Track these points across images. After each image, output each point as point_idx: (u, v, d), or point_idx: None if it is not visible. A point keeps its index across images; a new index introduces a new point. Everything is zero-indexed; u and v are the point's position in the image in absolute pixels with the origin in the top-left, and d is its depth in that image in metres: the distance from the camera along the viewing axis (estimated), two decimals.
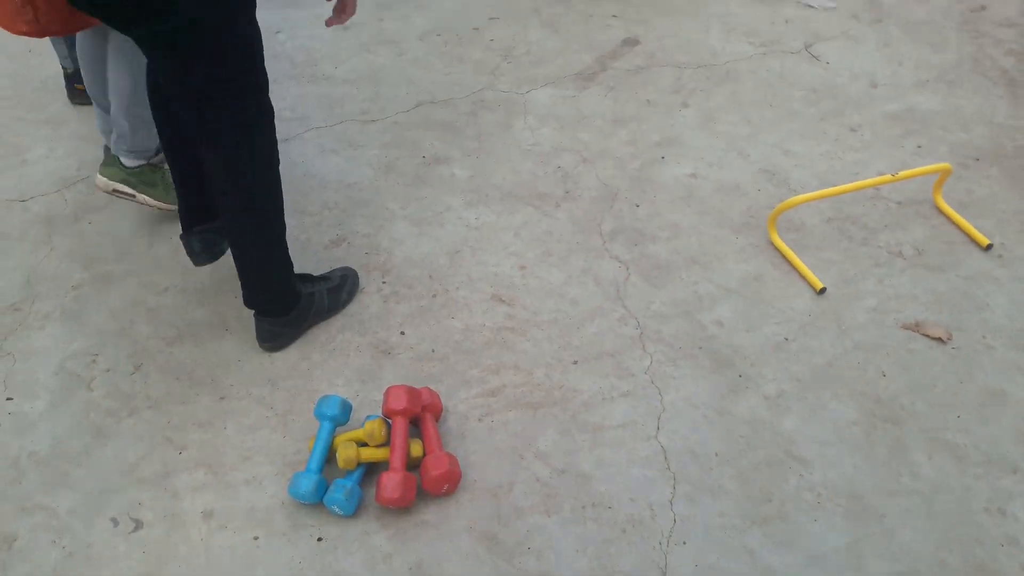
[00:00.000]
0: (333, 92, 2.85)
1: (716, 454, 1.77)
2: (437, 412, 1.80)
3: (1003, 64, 2.91)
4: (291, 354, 1.99)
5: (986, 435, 1.80)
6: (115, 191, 2.23)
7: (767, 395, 1.88)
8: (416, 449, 1.71)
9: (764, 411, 1.85)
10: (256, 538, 1.65)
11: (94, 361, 1.99)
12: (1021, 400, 1.87)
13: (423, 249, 2.26)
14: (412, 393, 1.73)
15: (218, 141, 1.68)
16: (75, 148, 2.64)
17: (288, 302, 1.95)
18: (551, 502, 1.69)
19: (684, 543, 1.62)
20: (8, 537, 1.66)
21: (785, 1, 3.31)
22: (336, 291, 2.06)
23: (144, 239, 2.31)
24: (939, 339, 1.99)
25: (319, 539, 1.64)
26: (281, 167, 1.81)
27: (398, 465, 1.65)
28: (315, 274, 2.10)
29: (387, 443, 1.72)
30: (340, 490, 1.62)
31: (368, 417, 1.75)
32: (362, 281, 2.16)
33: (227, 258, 2.05)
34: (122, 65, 2.05)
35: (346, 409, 1.75)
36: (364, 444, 1.73)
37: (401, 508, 1.66)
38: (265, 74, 1.69)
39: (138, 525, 1.68)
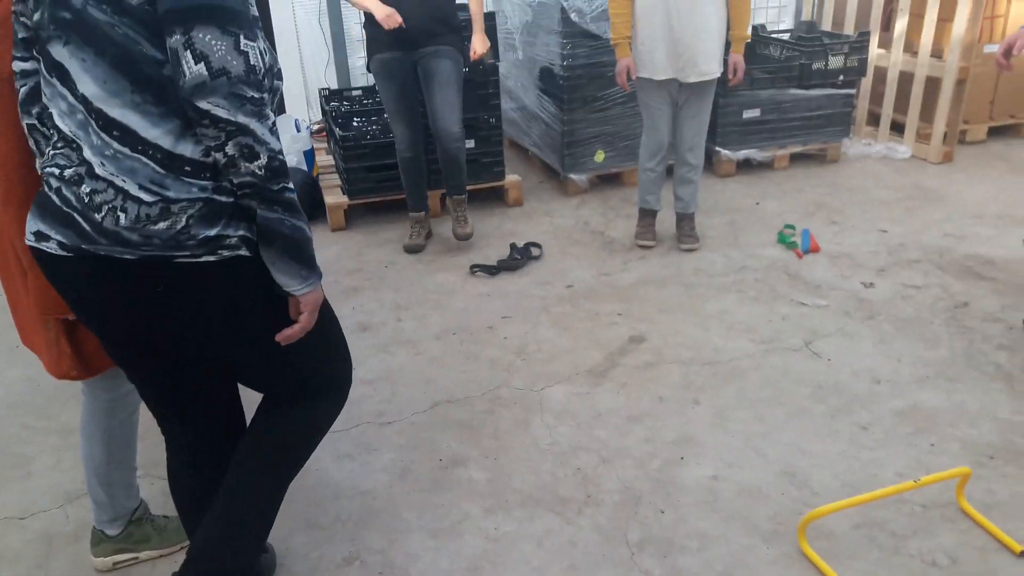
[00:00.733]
0: (351, 394, 2.88)
1: None
2: None
3: (996, 359, 3.03)
4: None
5: None
6: (116, 565, 2.17)
7: None
8: None
9: None
10: None
11: None
12: None
13: (441, 565, 2.19)
14: None
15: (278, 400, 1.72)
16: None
17: None
18: None
19: None
20: None
21: (779, 299, 3.50)
22: None
23: None
24: None
25: None
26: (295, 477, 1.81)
27: None
28: None
29: None
30: None
31: None
32: None
33: None
34: (94, 432, 2.03)
35: None
36: None
37: None
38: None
39: None
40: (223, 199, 1.44)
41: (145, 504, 2.23)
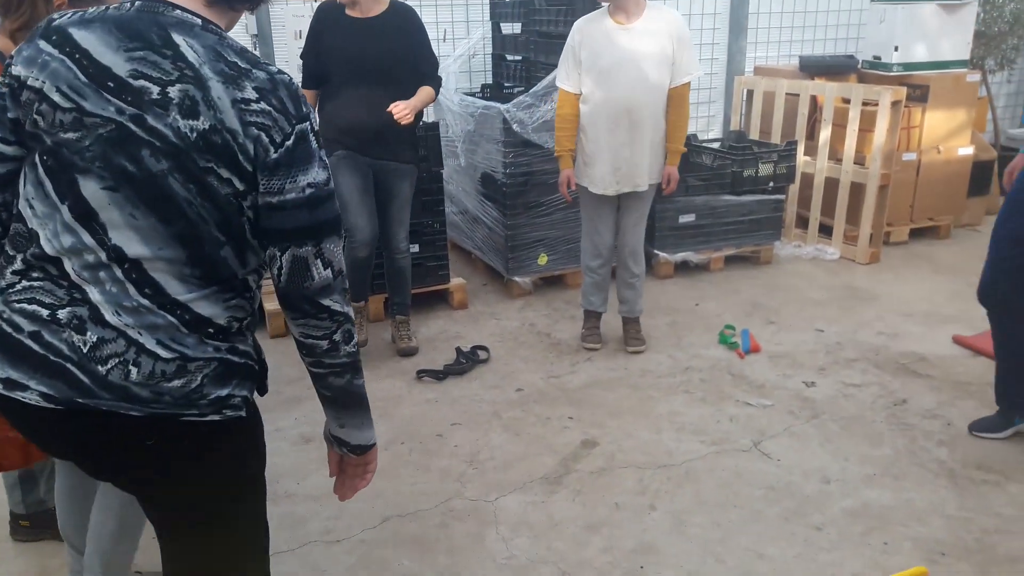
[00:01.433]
0: (296, 510, 2.80)
1: None
2: None
3: (938, 455, 3.09)
4: None
5: None
6: None
7: None
8: None
9: None
10: None
11: None
12: None
13: None
14: None
15: None
16: None
17: None
18: None
19: None
20: None
21: (725, 399, 3.54)
22: None
23: None
24: None
25: None
26: None
27: None
28: None
29: None
30: None
31: None
32: None
33: None
34: (111, 504, 1.95)
35: None
36: None
37: None
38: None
39: None
40: (236, 360, 1.43)
41: None
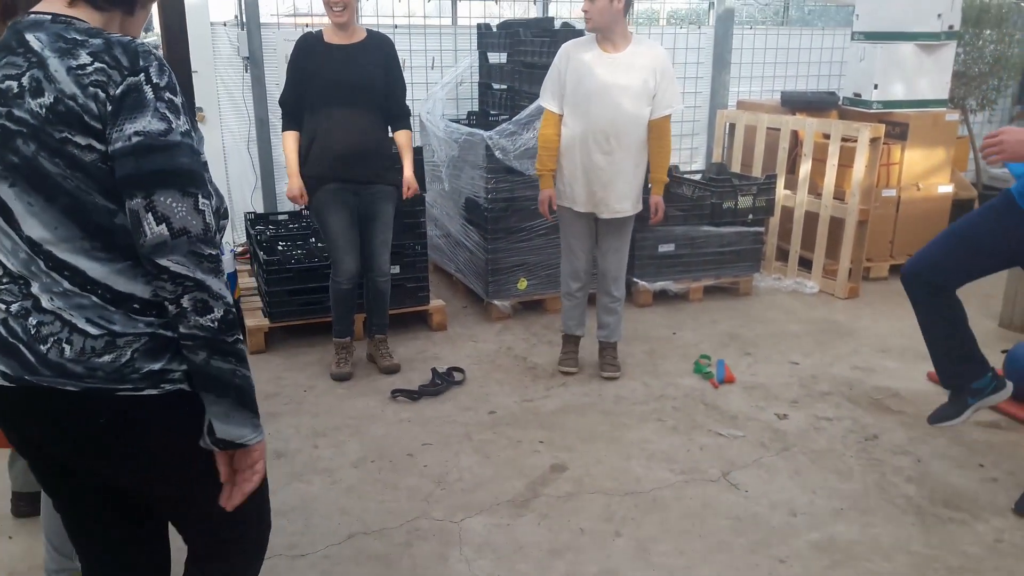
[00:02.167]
0: None
1: None
2: None
3: (906, 491, 3.10)
4: None
5: None
6: None
7: None
8: None
9: None
10: None
11: None
12: None
13: None
14: None
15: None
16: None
17: None
18: None
19: None
20: None
21: (697, 429, 3.55)
22: None
23: None
24: None
25: None
26: None
27: None
28: None
29: None
30: None
31: None
32: None
33: None
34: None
35: None
36: None
37: None
38: None
39: None
40: (169, 334, 1.44)
41: None
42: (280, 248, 4.55)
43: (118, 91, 1.35)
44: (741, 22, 7.24)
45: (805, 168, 5.44)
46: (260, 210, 5.61)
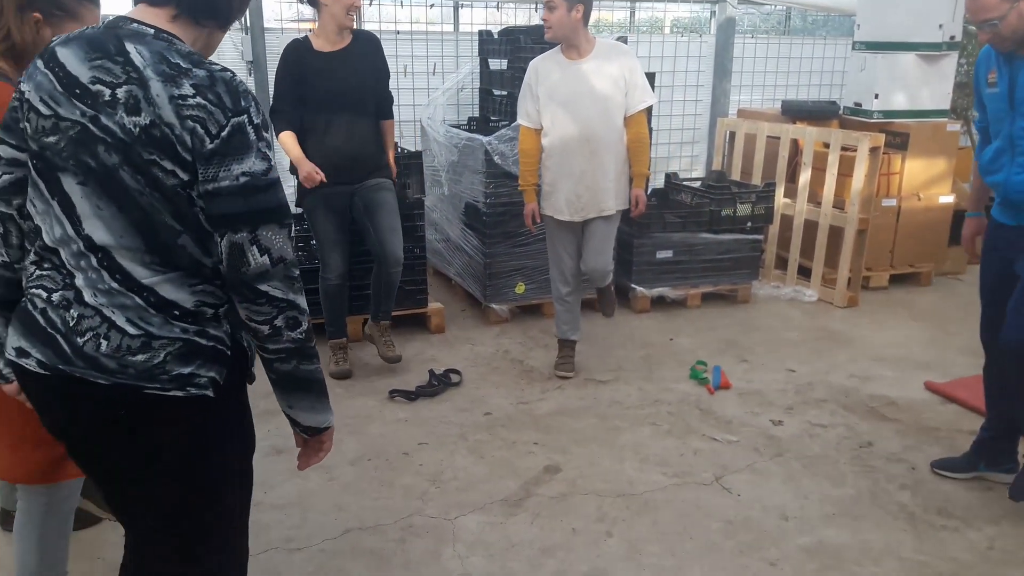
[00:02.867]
0: (261, 518, 2.81)
1: None
2: None
3: (899, 498, 3.11)
4: None
5: None
6: None
7: None
8: None
9: None
10: None
11: None
12: None
13: None
14: None
15: None
16: None
17: None
18: None
19: None
20: None
21: (691, 433, 3.57)
22: None
23: None
24: None
25: None
26: None
27: None
28: None
29: None
30: None
31: None
32: None
33: None
34: (30, 535, 2.02)
35: None
36: None
37: None
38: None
39: None
40: (203, 342, 1.52)
41: None
42: None
43: (224, 132, 1.42)
44: (743, 31, 7.28)
45: (805, 177, 5.46)
46: None
